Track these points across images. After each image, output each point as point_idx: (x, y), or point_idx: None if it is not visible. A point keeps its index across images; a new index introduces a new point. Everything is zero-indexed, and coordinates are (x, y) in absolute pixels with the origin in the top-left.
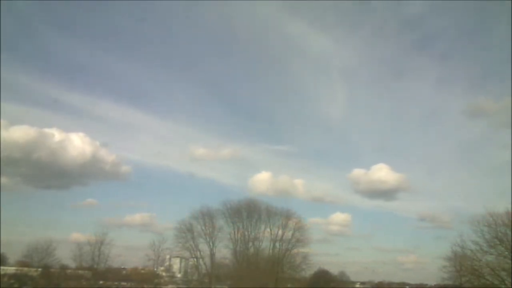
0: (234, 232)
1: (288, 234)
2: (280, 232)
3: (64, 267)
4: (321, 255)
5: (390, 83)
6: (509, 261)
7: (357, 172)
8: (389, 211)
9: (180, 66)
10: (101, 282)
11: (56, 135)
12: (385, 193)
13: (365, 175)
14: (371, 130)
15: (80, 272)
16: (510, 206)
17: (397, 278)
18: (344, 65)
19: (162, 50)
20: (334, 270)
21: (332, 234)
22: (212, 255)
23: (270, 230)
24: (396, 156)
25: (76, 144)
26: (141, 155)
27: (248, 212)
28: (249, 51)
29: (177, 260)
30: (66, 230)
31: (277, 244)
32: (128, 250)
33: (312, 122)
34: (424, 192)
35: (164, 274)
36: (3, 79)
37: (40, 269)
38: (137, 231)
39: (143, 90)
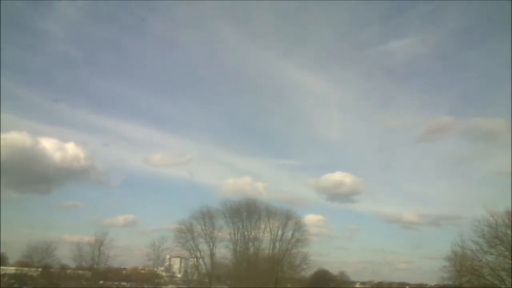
0: (234, 232)
1: (288, 234)
2: (280, 232)
3: (64, 267)
4: (315, 255)
5: (379, 110)
6: (509, 261)
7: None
8: (362, 213)
9: (198, 96)
10: (101, 282)
11: (47, 142)
12: (346, 196)
13: (334, 181)
14: (363, 148)
15: (80, 272)
16: (510, 206)
17: (393, 278)
18: (340, 98)
19: (184, 82)
20: (333, 270)
21: (312, 235)
22: (212, 255)
23: (270, 230)
24: (380, 168)
25: (69, 152)
26: (136, 163)
27: (248, 212)
28: (257, 87)
29: (177, 260)
30: (58, 231)
31: (277, 244)
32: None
33: (312, 142)
34: (391, 196)
35: (164, 274)
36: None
37: (40, 269)
38: (125, 232)
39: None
